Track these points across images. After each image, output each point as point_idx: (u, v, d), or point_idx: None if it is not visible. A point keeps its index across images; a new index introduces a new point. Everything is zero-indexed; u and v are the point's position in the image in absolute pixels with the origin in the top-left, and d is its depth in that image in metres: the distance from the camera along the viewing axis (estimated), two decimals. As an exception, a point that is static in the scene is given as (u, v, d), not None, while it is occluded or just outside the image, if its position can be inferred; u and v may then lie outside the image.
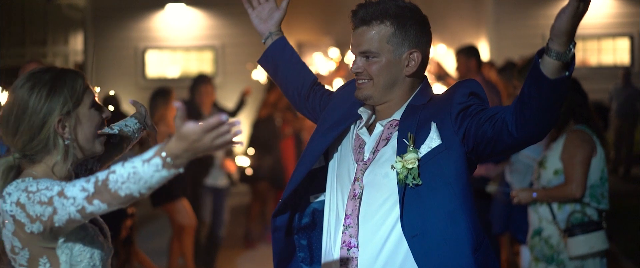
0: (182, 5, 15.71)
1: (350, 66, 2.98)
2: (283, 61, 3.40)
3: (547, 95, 2.51)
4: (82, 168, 2.96)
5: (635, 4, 15.39)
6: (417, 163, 2.78)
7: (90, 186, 2.36)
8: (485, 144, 2.74)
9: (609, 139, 12.30)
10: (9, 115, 2.59)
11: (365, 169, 2.95)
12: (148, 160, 2.30)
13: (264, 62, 3.47)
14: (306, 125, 10.74)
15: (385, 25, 2.88)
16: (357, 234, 2.92)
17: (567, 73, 2.48)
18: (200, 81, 8.41)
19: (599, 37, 15.77)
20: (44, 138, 2.57)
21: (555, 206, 5.07)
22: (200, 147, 2.28)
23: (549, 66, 2.47)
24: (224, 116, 2.27)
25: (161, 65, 16.17)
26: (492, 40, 15.52)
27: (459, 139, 2.79)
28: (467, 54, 8.00)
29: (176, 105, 2.30)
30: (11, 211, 2.46)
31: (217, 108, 8.60)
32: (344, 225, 2.96)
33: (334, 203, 3.04)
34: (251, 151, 9.65)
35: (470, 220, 2.82)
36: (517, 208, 5.66)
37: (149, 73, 16.14)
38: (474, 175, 7.17)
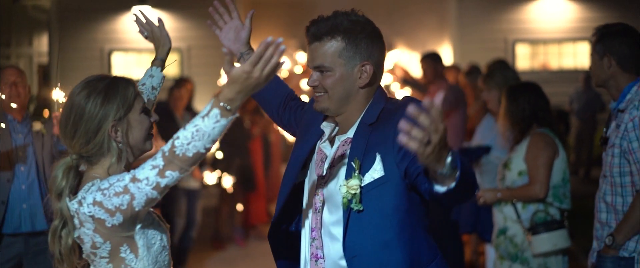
0: (147, 7, 15.72)
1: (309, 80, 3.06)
2: None
3: (446, 198, 2.63)
4: None
5: (595, 9, 15.69)
6: (359, 190, 2.88)
7: (158, 162, 2.57)
8: (423, 192, 2.84)
9: (569, 143, 12.55)
10: (67, 120, 2.76)
11: (324, 183, 3.04)
12: (207, 114, 2.52)
13: None
14: (273, 127, 10.85)
15: (336, 40, 2.96)
16: (322, 246, 3.04)
17: (453, 185, 2.55)
18: (175, 84, 8.60)
19: (560, 41, 16.03)
20: (99, 142, 2.74)
21: (519, 206, 5.22)
22: (252, 82, 2.50)
23: (438, 179, 2.59)
24: (268, 38, 2.45)
25: (127, 67, 16.16)
26: (456, 44, 15.72)
27: (400, 173, 2.87)
28: (435, 59, 8.15)
29: (224, 51, 2.50)
30: (90, 212, 2.63)
31: (190, 111, 8.70)
32: (311, 237, 3.07)
33: (306, 215, 3.13)
34: (220, 154, 9.73)
35: (406, 250, 2.92)
36: (485, 208, 5.82)
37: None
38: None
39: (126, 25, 15.89)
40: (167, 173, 2.56)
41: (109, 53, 15.99)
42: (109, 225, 2.64)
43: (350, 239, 2.92)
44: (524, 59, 16.00)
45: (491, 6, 15.67)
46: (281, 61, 2.50)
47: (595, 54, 4.28)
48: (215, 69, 12.60)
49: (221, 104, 2.51)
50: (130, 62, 16.17)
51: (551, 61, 16.17)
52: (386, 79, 8.79)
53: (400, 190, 2.89)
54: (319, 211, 3.04)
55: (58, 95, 5.22)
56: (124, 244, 2.70)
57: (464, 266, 7.69)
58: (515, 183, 5.26)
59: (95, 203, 2.62)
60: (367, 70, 2.99)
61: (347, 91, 3.00)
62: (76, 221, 2.70)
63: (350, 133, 3.02)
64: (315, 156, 3.12)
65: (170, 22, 15.81)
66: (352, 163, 2.91)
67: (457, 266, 7.59)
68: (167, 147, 2.56)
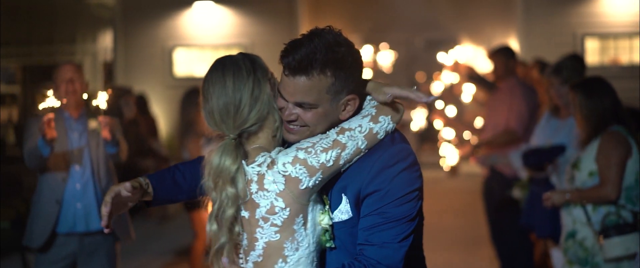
0: (210, 3, 15.73)
1: (284, 112, 2.79)
2: (173, 189, 3.08)
3: None
4: None
5: (667, 2, 15.23)
6: (330, 228, 2.78)
7: (370, 110, 2.75)
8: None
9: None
10: (223, 105, 2.73)
11: None
12: None
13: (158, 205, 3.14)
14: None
15: (325, 75, 2.69)
16: None
17: None
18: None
19: (631, 35, 15.62)
20: (261, 108, 2.74)
21: (589, 208, 5.06)
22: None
23: None
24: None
25: (189, 64, 16.20)
26: (523, 39, 15.42)
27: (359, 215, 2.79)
28: (507, 54, 7.84)
29: None
30: (284, 171, 2.66)
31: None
32: None
33: None
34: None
35: None
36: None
37: (177, 72, 16.18)
38: (502, 175, 7.12)
39: (188, 21, 15.93)
40: (381, 118, 2.71)
41: (171, 50, 16.05)
42: (302, 187, 2.65)
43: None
44: (593, 54, 15.63)
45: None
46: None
47: None
48: (278, 63, 12.50)
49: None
50: (193, 58, 16.20)
51: (622, 56, 15.76)
52: (452, 79, 8.54)
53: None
54: None
55: (102, 100, 5.12)
56: (301, 215, 2.69)
57: (533, 268, 7.49)
58: (586, 184, 5.09)
59: (296, 160, 2.64)
60: (352, 104, 2.78)
61: (330, 125, 2.78)
62: (254, 186, 2.67)
63: None
64: None
65: (233, 18, 15.80)
66: (323, 196, 2.81)
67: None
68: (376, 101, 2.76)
